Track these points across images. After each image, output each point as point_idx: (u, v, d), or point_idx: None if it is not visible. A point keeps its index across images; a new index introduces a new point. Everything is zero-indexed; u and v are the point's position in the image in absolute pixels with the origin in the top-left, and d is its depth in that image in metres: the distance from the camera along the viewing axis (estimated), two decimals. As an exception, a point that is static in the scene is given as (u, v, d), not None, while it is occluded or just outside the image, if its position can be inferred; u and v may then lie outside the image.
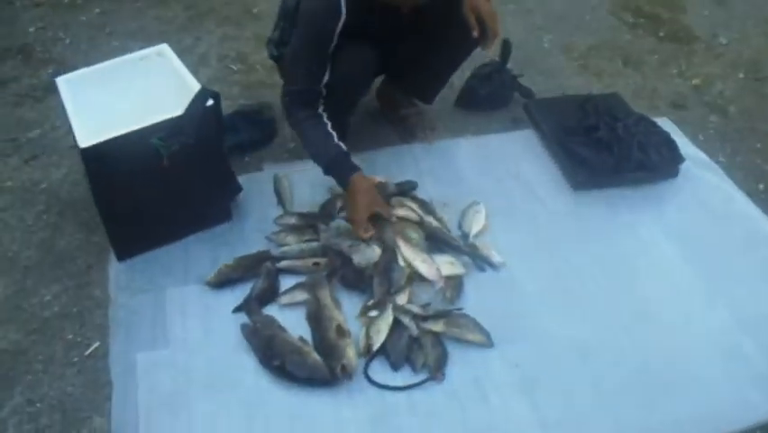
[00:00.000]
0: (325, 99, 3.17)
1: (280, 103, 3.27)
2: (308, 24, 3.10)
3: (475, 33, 3.15)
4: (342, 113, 3.40)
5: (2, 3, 5.13)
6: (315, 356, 2.69)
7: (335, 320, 2.80)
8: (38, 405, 2.68)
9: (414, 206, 3.32)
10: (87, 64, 4.02)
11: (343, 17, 3.00)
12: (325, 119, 3.17)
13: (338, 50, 3.11)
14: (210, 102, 2.92)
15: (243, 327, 2.85)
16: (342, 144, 3.17)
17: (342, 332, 2.76)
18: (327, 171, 3.19)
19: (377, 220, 3.14)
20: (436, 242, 3.21)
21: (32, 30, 4.84)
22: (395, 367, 2.75)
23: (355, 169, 3.16)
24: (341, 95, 3.24)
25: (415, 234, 3.20)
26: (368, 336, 2.78)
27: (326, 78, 3.13)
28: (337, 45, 3.09)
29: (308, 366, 2.67)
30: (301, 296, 2.96)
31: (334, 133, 3.17)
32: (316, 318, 2.83)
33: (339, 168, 3.16)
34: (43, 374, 2.78)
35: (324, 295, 2.90)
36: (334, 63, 3.13)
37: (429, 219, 3.30)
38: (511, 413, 2.65)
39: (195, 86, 2.98)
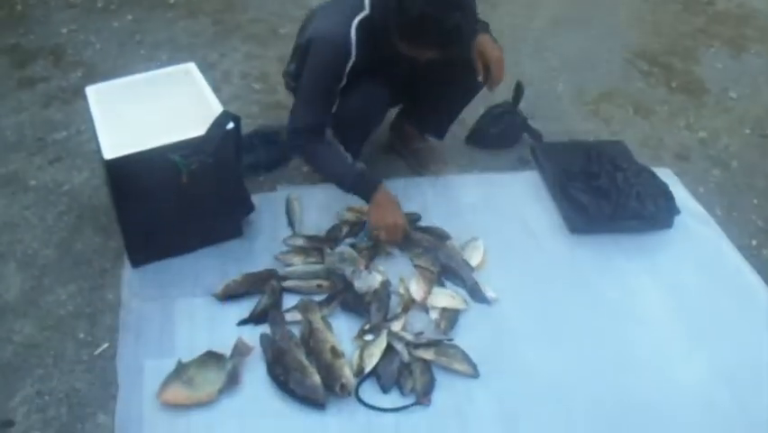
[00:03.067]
0: (338, 132, 3.24)
1: (287, 138, 3.37)
2: (317, 64, 3.17)
3: (480, 78, 3.31)
4: (355, 144, 3.47)
5: (37, 1, 5.26)
6: (316, 379, 2.76)
7: (328, 342, 2.89)
8: (47, 397, 2.79)
9: (430, 238, 3.44)
10: (115, 70, 4.19)
11: (353, 59, 3.11)
12: (336, 145, 3.26)
13: (350, 86, 3.20)
14: (231, 125, 3.01)
15: (263, 337, 2.94)
16: (358, 164, 3.27)
17: (336, 353, 2.84)
18: (351, 190, 3.28)
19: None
20: (448, 273, 3.31)
21: (64, 31, 4.97)
22: (384, 390, 2.83)
23: (378, 182, 3.29)
24: (353, 129, 3.34)
25: (431, 268, 3.30)
26: (361, 359, 2.86)
27: (333, 110, 3.23)
28: (349, 81, 3.19)
29: (307, 386, 2.74)
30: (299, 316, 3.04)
31: (348, 155, 3.26)
32: (310, 341, 2.91)
33: (363, 185, 3.26)
34: (54, 369, 2.88)
35: (316, 318, 2.98)
36: (347, 98, 3.23)
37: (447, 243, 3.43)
38: (489, 443, 2.75)
39: (217, 107, 3.07)
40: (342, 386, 2.74)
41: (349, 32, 3.08)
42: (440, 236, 3.46)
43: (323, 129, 3.24)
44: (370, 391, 2.84)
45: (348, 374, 2.78)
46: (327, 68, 3.16)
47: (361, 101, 3.27)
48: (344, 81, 3.18)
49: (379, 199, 3.25)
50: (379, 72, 3.26)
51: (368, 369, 2.84)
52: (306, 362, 2.82)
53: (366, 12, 3.12)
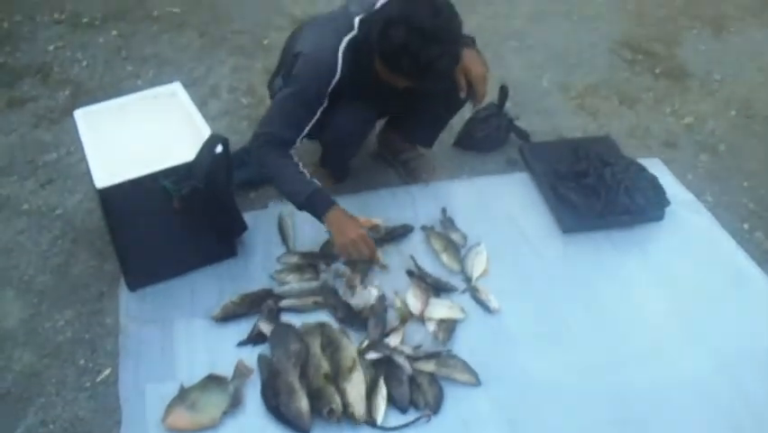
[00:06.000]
0: (325, 152, 3.28)
1: (252, 142, 3.23)
2: (302, 79, 3.13)
3: (462, 94, 3.32)
4: (342, 164, 3.51)
5: (24, 18, 5.24)
6: (303, 404, 2.76)
7: (323, 368, 2.89)
8: (50, 426, 2.80)
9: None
10: (103, 88, 4.19)
11: (338, 77, 3.09)
12: (296, 160, 3.19)
13: (335, 109, 3.20)
14: (219, 148, 3.01)
15: (260, 358, 2.97)
16: (315, 181, 3.17)
17: (329, 378, 2.85)
18: (305, 206, 3.16)
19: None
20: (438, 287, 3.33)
21: (51, 48, 4.95)
22: (403, 411, 2.84)
23: (332, 203, 3.16)
24: (337, 152, 3.36)
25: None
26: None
27: (305, 132, 3.18)
28: (332, 101, 3.17)
29: (292, 411, 2.76)
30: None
31: (306, 172, 3.18)
32: (305, 364, 2.91)
33: (317, 201, 3.14)
34: (56, 397, 2.89)
35: (314, 343, 2.98)
36: (331, 121, 3.22)
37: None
38: (493, 450, 2.77)
39: (205, 130, 3.08)
40: (331, 411, 2.76)
41: (337, 51, 3.09)
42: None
43: (290, 145, 3.19)
44: (389, 414, 2.85)
45: (338, 401, 2.78)
46: (312, 84, 3.13)
47: (347, 122, 3.27)
48: (326, 103, 3.16)
49: (335, 217, 3.16)
50: (364, 92, 3.23)
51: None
52: (297, 385, 2.82)
53: (355, 32, 3.13)
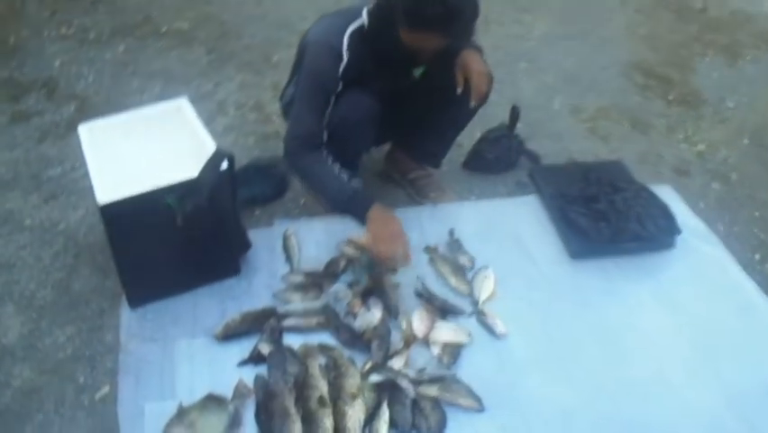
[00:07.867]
0: (332, 145, 3.25)
1: (285, 149, 3.29)
2: (311, 68, 3.20)
3: (459, 90, 3.30)
4: (350, 159, 3.45)
5: (31, 33, 5.26)
6: (297, 428, 2.70)
7: (318, 390, 2.83)
8: (49, 445, 2.75)
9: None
10: (108, 103, 4.17)
11: (345, 62, 3.13)
12: (331, 162, 3.27)
13: (339, 98, 3.21)
14: (225, 165, 2.98)
15: (257, 378, 2.90)
16: (353, 180, 3.33)
17: (323, 402, 2.78)
18: (345, 209, 3.23)
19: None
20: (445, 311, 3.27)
21: (57, 63, 4.97)
22: None
23: (372, 201, 3.20)
24: (342, 142, 3.30)
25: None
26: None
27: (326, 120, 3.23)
28: (338, 93, 3.20)
29: None
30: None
31: (344, 174, 3.29)
32: (302, 386, 2.85)
33: (357, 203, 3.19)
34: (54, 415, 2.84)
35: (313, 365, 2.92)
36: (335, 108, 3.22)
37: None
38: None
39: (210, 146, 3.04)
40: None
41: (343, 35, 3.14)
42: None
43: (320, 139, 3.23)
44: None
45: (327, 426, 2.72)
46: (321, 67, 3.17)
47: (350, 109, 3.24)
48: (340, 86, 3.19)
49: (375, 215, 3.17)
50: (372, 84, 3.26)
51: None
52: (292, 409, 2.77)
53: (363, 20, 3.17)
